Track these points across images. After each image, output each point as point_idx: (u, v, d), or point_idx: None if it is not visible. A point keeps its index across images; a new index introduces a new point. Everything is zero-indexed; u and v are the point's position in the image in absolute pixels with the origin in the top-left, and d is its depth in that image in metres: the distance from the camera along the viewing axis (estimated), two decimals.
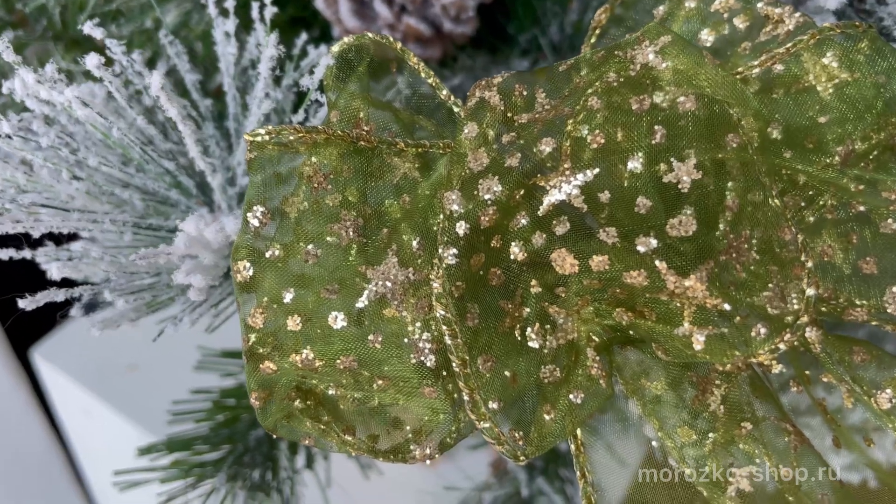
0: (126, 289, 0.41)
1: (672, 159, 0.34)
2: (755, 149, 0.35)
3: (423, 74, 0.41)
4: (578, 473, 0.36)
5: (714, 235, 0.33)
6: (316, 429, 0.37)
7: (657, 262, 0.33)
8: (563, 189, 0.35)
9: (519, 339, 0.36)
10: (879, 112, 0.38)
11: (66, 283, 0.41)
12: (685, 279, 0.33)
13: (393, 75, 0.42)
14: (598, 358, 0.35)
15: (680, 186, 0.34)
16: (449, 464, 1.00)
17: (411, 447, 0.37)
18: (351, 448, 0.37)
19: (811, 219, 0.39)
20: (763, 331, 0.32)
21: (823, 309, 0.38)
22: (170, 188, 0.45)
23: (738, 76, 0.39)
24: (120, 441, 1.22)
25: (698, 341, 0.33)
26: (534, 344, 0.36)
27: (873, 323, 0.39)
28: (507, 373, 0.35)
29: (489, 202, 0.35)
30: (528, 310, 0.37)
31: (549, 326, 0.36)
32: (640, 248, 0.33)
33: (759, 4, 0.41)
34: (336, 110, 0.38)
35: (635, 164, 0.34)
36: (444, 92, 0.42)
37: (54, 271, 0.39)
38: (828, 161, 0.38)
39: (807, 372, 0.41)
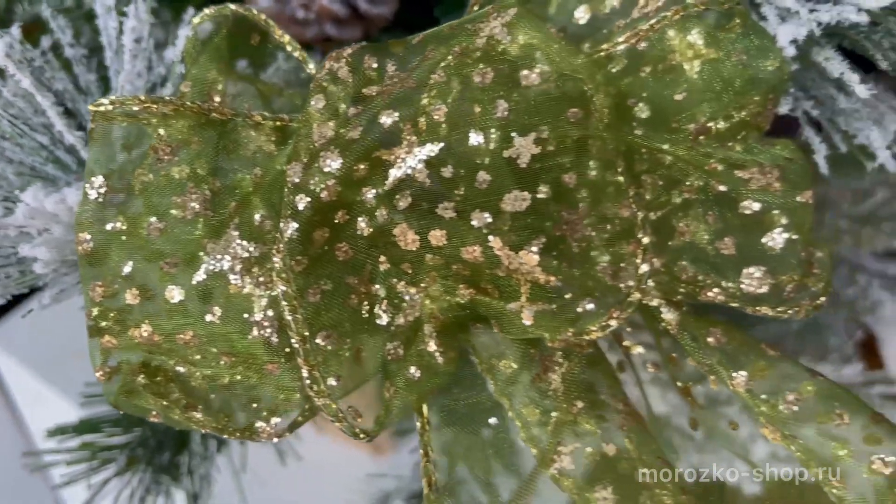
0: None
1: (513, 134, 0.33)
2: (604, 125, 0.35)
3: (288, 48, 0.41)
4: (421, 451, 0.36)
5: (550, 211, 0.33)
6: (158, 405, 0.36)
7: (490, 238, 0.33)
8: (406, 163, 0.34)
9: (367, 315, 0.36)
10: (737, 91, 0.37)
11: None
12: (518, 255, 0.32)
13: (263, 47, 0.41)
14: (434, 334, 0.34)
15: (519, 161, 0.33)
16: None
17: (257, 425, 0.37)
18: (197, 425, 0.37)
19: (678, 199, 0.39)
20: (590, 307, 0.31)
21: (682, 290, 0.38)
22: (45, 163, 0.45)
23: (603, 53, 0.39)
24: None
25: (528, 317, 0.32)
26: (382, 321, 0.36)
27: (734, 304, 0.38)
28: (351, 349, 0.35)
29: (330, 175, 0.34)
30: (377, 286, 0.36)
31: (397, 303, 0.36)
32: (475, 223, 0.33)
33: None
34: (188, 81, 0.38)
35: (478, 138, 0.34)
36: (311, 66, 0.41)
37: None
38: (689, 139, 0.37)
39: (673, 354, 0.41)
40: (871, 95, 0.36)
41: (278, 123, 0.38)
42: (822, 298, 0.38)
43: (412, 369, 0.34)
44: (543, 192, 0.33)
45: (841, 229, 0.89)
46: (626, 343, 0.39)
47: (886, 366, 1.05)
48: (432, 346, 0.34)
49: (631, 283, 0.32)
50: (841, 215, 0.90)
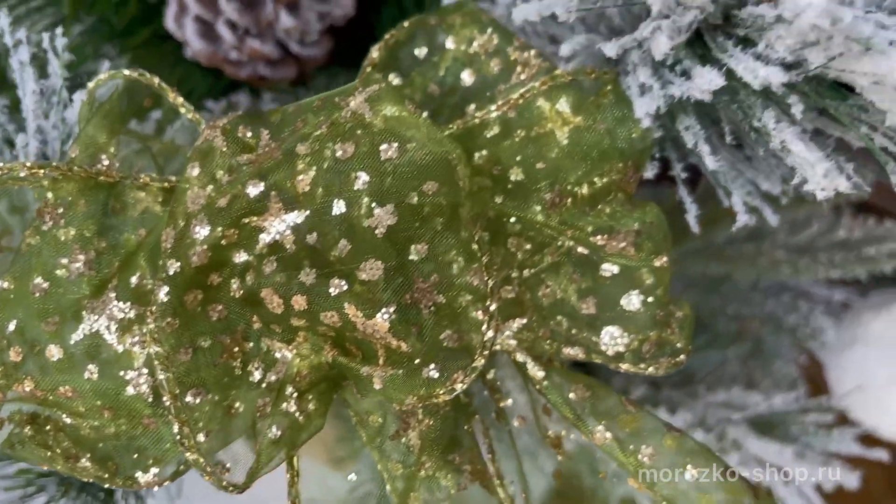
0: None
1: (373, 204, 0.35)
2: (464, 196, 0.37)
3: (182, 110, 0.42)
4: (289, 502, 0.38)
5: (402, 279, 0.35)
6: (42, 455, 0.38)
7: (346, 305, 0.34)
8: (274, 229, 0.36)
9: (240, 372, 0.38)
10: (599, 158, 0.39)
11: None
12: (371, 321, 0.34)
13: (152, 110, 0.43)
14: (295, 395, 0.36)
15: (377, 231, 0.35)
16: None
17: (138, 475, 0.39)
18: (82, 474, 0.39)
19: (546, 261, 0.40)
20: (434, 374, 0.33)
21: (547, 346, 0.40)
22: None
23: (477, 120, 0.41)
24: None
25: (378, 381, 0.34)
26: (255, 378, 0.38)
27: (597, 360, 0.40)
28: (222, 406, 0.37)
29: (199, 242, 0.36)
30: (251, 344, 0.38)
31: (269, 361, 0.38)
32: (332, 290, 0.35)
33: (509, 48, 0.43)
34: (77, 144, 0.39)
35: (340, 208, 0.35)
36: (202, 126, 0.43)
37: None
38: (550, 203, 0.39)
39: (547, 405, 0.43)
40: (719, 166, 0.38)
41: (165, 185, 0.40)
42: (683, 356, 0.40)
43: (274, 428, 0.36)
44: (397, 261, 0.35)
45: (779, 259, 0.90)
46: (497, 396, 0.41)
47: (831, 391, 1.06)
48: (292, 407, 0.36)
49: (476, 349, 0.34)
50: (778, 245, 0.92)
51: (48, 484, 0.65)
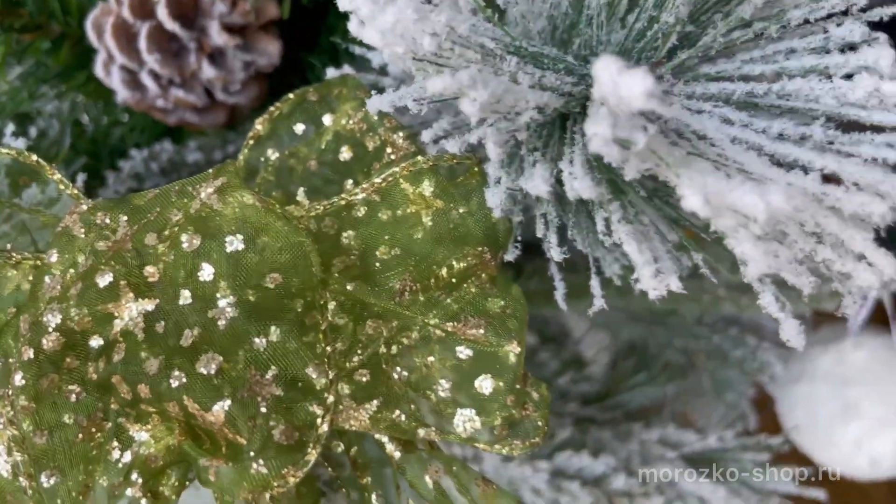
0: None
1: (218, 295, 0.36)
2: (318, 282, 0.37)
3: (60, 186, 0.43)
4: None
5: (239, 373, 0.35)
6: None
7: (184, 397, 0.35)
8: (126, 315, 0.37)
9: (96, 452, 0.39)
10: (455, 242, 0.40)
11: None
12: (208, 413, 0.35)
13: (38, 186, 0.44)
14: (140, 480, 0.37)
15: (220, 323, 0.36)
16: None
17: None
18: None
19: (403, 342, 0.41)
20: (263, 470, 0.34)
21: (404, 427, 0.40)
22: None
23: (343, 202, 0.41)
24: None
25: (213, 473, 0.35)
26: (112, 457, 0.39)
27: (450, 441, 0.41)
28: (77, 487, 0.38)
29: (50, 330, 0.37)
30: (109, 424, 0.39)
31: (126, 441, 0.39)
32: (173, 383, 0.36)
33: (381, 129, 0.43)
34: None
35: (186, 299, 0.36)
36: (82, 201, 0.44)
37: None
38: (403, 290, 0.40)
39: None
40: (561, 258, 0.39)
41: (38, 263, 0.41)
42: (539, 437, 0.41)
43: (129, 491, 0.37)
44: (236, 355, 0.35)
45: (721, 296, 0.90)
46: (358, 473, 0.42)
47: (780, 423, 1.06)
48: (137, 493, 0.37)
49: (310, 443, 0.35)
50: (721, 283, 0.92)
51: None
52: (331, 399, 0.35)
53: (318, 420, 0.35)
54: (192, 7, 0.63)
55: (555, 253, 0.38)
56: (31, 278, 0.41)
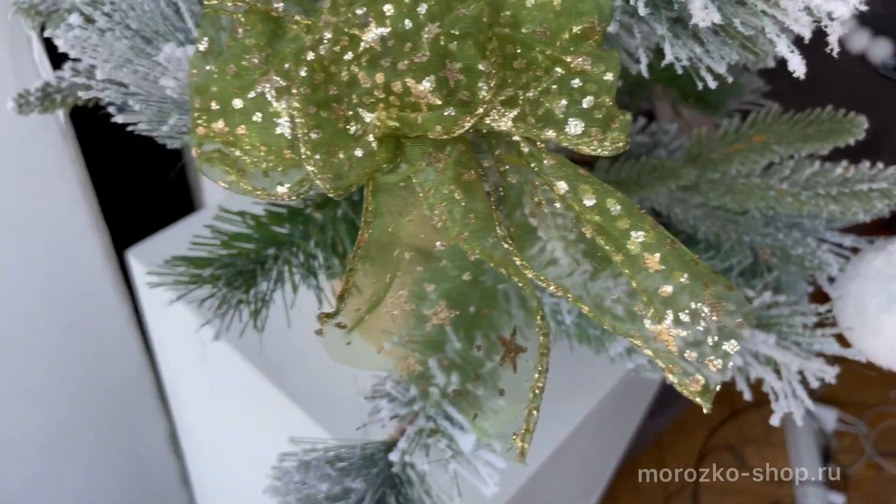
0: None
1: (427, 22, 0.59)
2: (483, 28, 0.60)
3: None
4: (365, 208, 0.62)
5: (439, 64, 0.58)
6: (225, 171, 0.64)
7: (407, 79, 0.58)
8: (369, 37, 0.61)
9: (342, 125, 0.62)
10: (576, 14, 0.61)
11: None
12: (420, 86, 0.58)
13: None
14: (375, 132, 0.60)
15: (426, 38, 0.59)
16: None
17: (276, 188, 0.64)
18: (245, 192, 0.64)
19: (544, 83, 0.63)
20: (452, 112, 0.57)
21: (534, 130, 0.62)
22: (173, 32, 0.74)
23: None
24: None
25: (420, 118, 0.58)
26: (350, 131, 0.62)
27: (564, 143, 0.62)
28: (328, 140, 0.61)
29: (324, 42, 0.61)
30: (350, 112, 0.63)
31: (360, 121, 0.62)
32: (401, 66, 0.59)
33: None
34: None
35: (407, 24, 0.60)
36: None
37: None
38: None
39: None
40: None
41: (308, 23, 0.66)
42: (622, 143, 0.61)
43: (358, 150, 0.60)
44: (438, 54, 0.58)
45: (785, 191, 1.08)
46: (503, 170, 0.64)
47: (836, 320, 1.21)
48: (371, 140, 0.60)
49: (479, 104, 0.57)
50: (783, 179, 1.09)
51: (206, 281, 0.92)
52: (494, 82, 0.58)
53: (484, 92, 0.57)
54: None
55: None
56: (304, 31, 0.66)
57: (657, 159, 1.10)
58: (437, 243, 0.57)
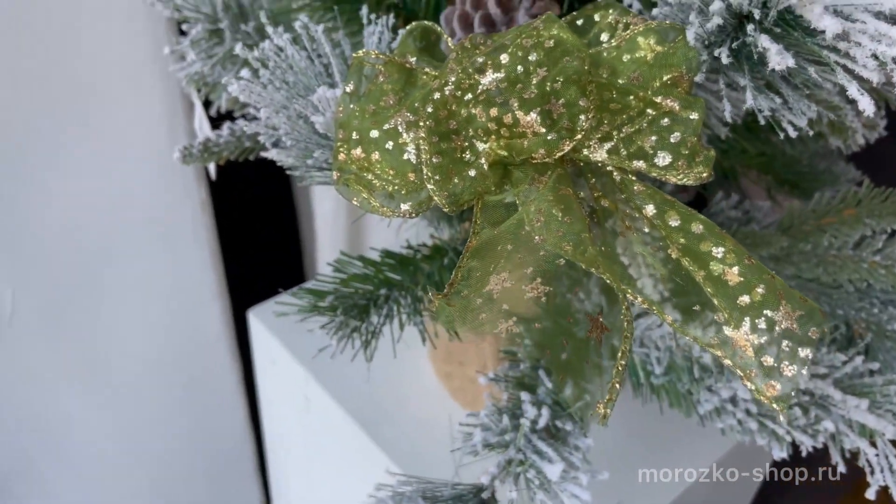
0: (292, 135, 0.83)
1: (535, 69, 0.70)
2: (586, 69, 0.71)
3: (449, 42, 0.81)
4: (474, 221, 0.71)
5: (545, 101, 0.68)
6: (359, 191, 0.75)
7: (516, 111, 0.69)
8: (486, 80, 0.72)
9: (459, 155, 0.73)
10: (666, 65, 0.71)
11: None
12: (527, 117, 0.68)
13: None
14: (487, 158, 0.70)
15: (534, 80, 0.70)
16: None
17: (401, 206, 0.74)
18: (373, 210, 0.75)
19: (637, 125, 0.72)
20: (552, 137, 0.66)
21: (626, 164, 0.71)
22: (324, 78, 0.88)
23: (604, 47, 0.75)
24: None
25: (526, 142, 0.68)
26: (466, 158, 0.73)
27: (652, 173, 0.70)
28: (446, 165, 0.72)
29: (448, 85, 0.73)
30: (466, 143, 0.73)
31: (474, 150, 0.73)
32: (513, 103, 0.70)
33: (627, 18, 0.77)
34: (395, 54, 0.79)
35: (518, 70, 0.71)
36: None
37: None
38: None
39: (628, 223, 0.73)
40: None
41: (434, 73, 0.78)
42: (705, 174, 0.69)
43: (472, 171, 0.70)
44: (543, 92, 0.69)
45: (877, 263, 1.10)
46: (596, 195, 0.72)
47: None
48: (483, 163, 0.70)
49: (578, 131, 0.67)
50: (875, 252, 1.12)
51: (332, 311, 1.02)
52: (592, 114, 0.67)
53: (582, 122, 0.67)
54: (509, 1, 1.03)
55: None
56: (431, 81, 0.78)
57: (750, 230, 1.16)
58: (536, 237, 0.65)
